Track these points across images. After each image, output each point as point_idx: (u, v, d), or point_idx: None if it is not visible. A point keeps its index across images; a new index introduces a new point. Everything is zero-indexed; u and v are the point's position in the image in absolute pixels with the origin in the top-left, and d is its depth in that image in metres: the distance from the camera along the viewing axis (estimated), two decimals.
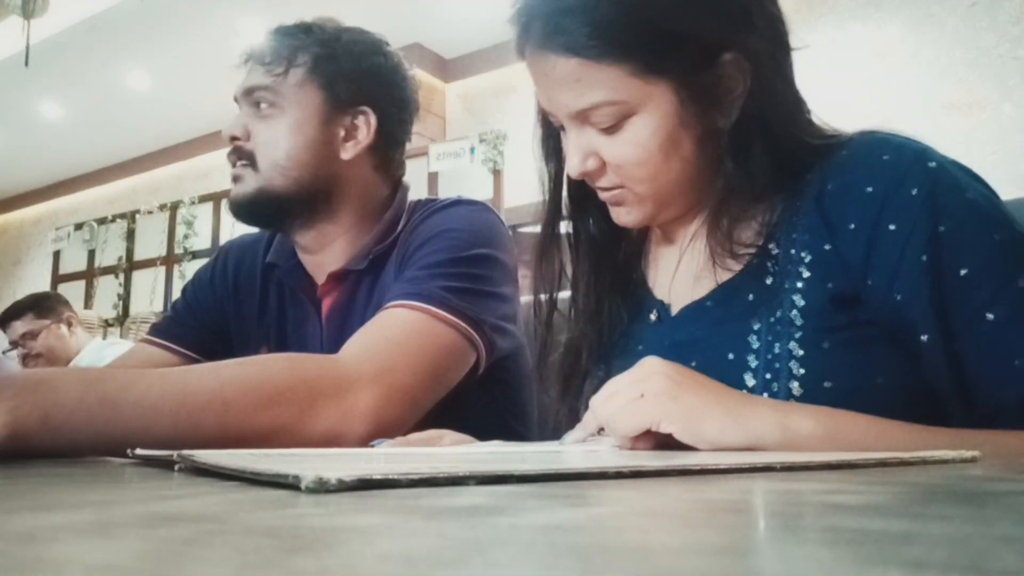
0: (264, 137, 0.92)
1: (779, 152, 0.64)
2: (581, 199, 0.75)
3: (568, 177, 0.74)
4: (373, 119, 0.95)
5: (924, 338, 0.57)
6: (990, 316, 0.55)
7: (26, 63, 3.36)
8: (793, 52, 0.66)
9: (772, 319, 0.62)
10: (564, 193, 0.75)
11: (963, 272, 0.56)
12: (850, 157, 0.62)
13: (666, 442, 0.52)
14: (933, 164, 0.59)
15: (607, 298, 0.76)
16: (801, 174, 0.65)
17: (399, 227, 0.95)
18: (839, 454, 0.42)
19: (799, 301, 0.61)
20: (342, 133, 0.94)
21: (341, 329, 0.93)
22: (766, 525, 0.20)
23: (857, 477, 0.32)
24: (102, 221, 5.89)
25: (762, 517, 0.21)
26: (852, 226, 0.60)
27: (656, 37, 0.61)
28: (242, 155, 0.93)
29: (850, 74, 3.27)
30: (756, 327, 0.63)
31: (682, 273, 0.72)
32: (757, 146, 0.63)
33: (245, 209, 0.93)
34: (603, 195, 0.68)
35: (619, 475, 0.31)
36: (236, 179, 0.93)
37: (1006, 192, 0.61)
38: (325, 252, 0.97)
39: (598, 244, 0.76)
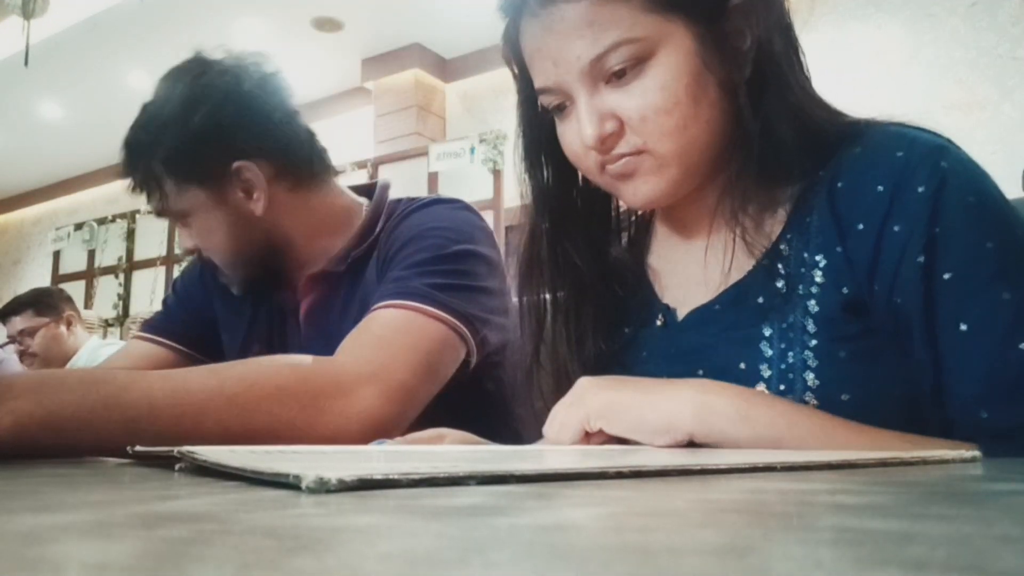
0: (202, 246, 0.96)
1: (795, 119, 0.61)
2: (561, 219, 0.72)
3: (550, 197, 0.71)
4: (251, 164, 0.90)
5: (915, 343, 0.56)
6: (963, 327, 0.54)
7: (26, 63, 3.36)
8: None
9: (784, 325, 0.60)
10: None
11: (946, 276, 0.55)
12: (863, 153, 0.60)
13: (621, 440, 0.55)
14: (945, 164, 0.57)
15: (588, 329, 0.72)
16: (817, 161, 0.62)
17: (378, 228, 0.95)
18: (840, 453, 0.42)
19: (813, 308, 0.59)
20: (241, 195, 0.91)
21: (319, 330, 0.93)
22: (766, 525, 0.20)
23: (857, 477, 0.32)
24: (102, 221, 5.88)
25: (762, 517, 0.21)
26: (860, 227, 0.58)
27: None
28: (208, 263, 0.98)
29: (850, 74, 3.27)
30: (767, 333, 0.61)
31: (689, 275, 0.69)
32: (772, 106, 0.61)
33: (242, 290, 0.99)
34: (618, 167, 0.62)
35: (619, 475, 0.31)
36: (221, 276, 0.99)
37: (1005, 192, 0.60)
38: (302, 268, 0.98)
39: (578, 272, 0.72)
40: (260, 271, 0.96)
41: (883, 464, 0.37)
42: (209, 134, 0.89)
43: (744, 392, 0.55)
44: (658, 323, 0.70)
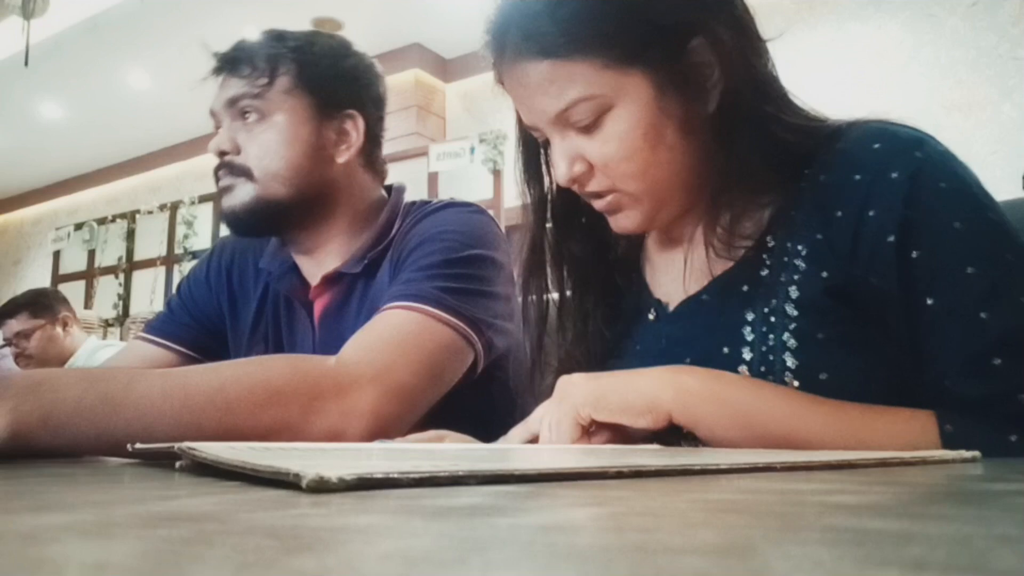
0: (258, 147, 0.91)
1: (768, 140, 0.64)
2: (565, 220, 0.74)
3: (552, 197, 0.74)
4: (361, 121, 0.96)
5: (894, 322, 0.58)
6: (929, 302, 0.56)
7: (26, 63, 3.36)
8: (769, 42, 0.67)
9: (766, 309, 0.62)
10: (548, 215, 0.75)
11: (914, 255, 0.57)
12: (844, 149, 0.63)
13: (627, 433, 0.58)
14: (920, 154, 0.59)
15: (592, 320, 0.76)
16: (799, 166, 0.65)
17: (394, 230, 0.95)
18: (839, 454, 0.42)
19: (794, 293, 0.62)
20: (334, 137, 0.95)
21: (333, 332, 0.93)
22: (766, 525, 0.20)
23: (857, 477, 0.32)
24: (102, 221, 5.88)
25: (762, 517, 0.21)
26: (839, 214, 0.61)
27: (622, 27, 0.61)
28: (233, 169, 0.92)
29: (850, 74, 3.27)
30: (750, 318, 0.63)
31: (680, 271, 0.71)
32: (743, 133, 0.63)
33: (243, 219, 0.93)
34: (598, 204, 0.68)
35: (619, 475, 0.31)
36: (227, 190, 0.93)
37: (1005, 192, 0.61)
38: (320, 252, 0.97)
39: (582, 266, 0.76)
40: (286, 209, 0.92)
41: (883, 464, 0.37)
42: (352, 72, 0.98)
43: (718, 374, 0.59)
44: (651, 317, 0.73)
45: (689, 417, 0.56)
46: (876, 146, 0.61)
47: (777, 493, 0.27)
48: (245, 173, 0.92)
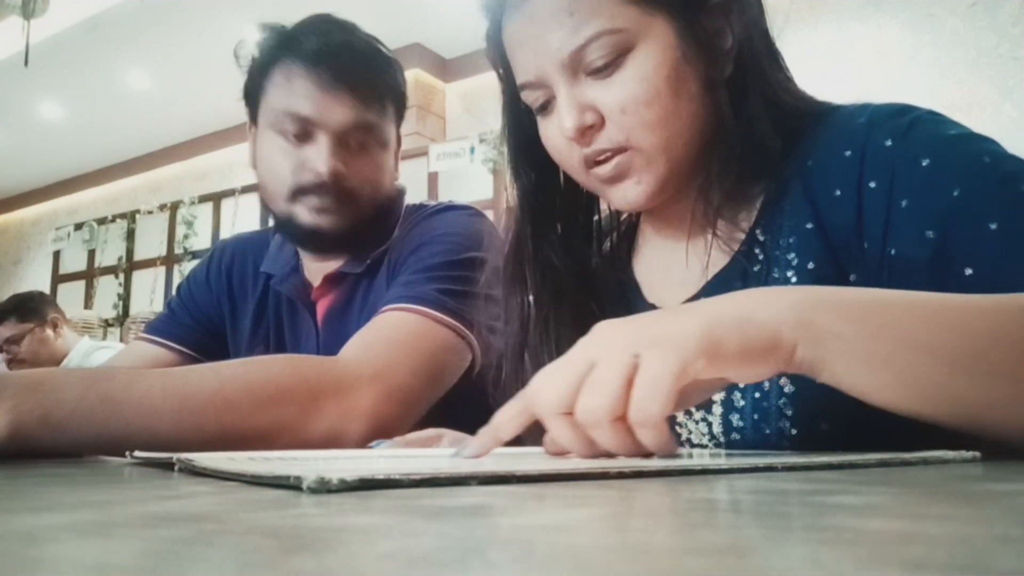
0: (365, 174, 0.90)
1: (777, 106, 0.62)
2: (544, 225, 0.70)
3: (533, 200, 0.70)
4: (399, 135, 0.98)
5: (924, 278, 0.53)
6: (992, 227, 0.51)
7: (26, 63, 3.36)
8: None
9: None
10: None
11: (956, 193, 0.53)
12: (829, 131, 0.61)
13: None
14: (908, 118, 0.58)
15: (566, 337, 0.67)
16: (788, 151, 0.63)
17: (395, 232, 0.96)
18: (839, 454, 0.42)
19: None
20: (393, 148, 0.97)
21: (337, 331, 0.93)
22: (766, 525, 0.20)
23: (857, 477, 0.32)
24: (102, 221, 5.88)
25: (762, 517, 0.21)
26: (837, 193, 0.59)
27: None
28: (341, 193, 0.87)
29: (850, 74, 3.27)
30: None
31: (672, 274, 0.69)
32: (753, 106, 0.61)
33: (329, 240, 0.91)
34: (602, 171, 0.61)
35: (620, 475, 0.31)
36: (324, 211, 0.88)
37: None
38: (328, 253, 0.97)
39: (560, 278, 0.70)
40: (362, 232, 0.92)
41: (883, 464, 0.37)
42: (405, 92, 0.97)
43: (812, 288, 0.48)
44: None
45: (817, 348, 0.41)
46: (861, 120, 0.59)
47: (777, 493, 0.27)
48: (351, 199, 0.89)
